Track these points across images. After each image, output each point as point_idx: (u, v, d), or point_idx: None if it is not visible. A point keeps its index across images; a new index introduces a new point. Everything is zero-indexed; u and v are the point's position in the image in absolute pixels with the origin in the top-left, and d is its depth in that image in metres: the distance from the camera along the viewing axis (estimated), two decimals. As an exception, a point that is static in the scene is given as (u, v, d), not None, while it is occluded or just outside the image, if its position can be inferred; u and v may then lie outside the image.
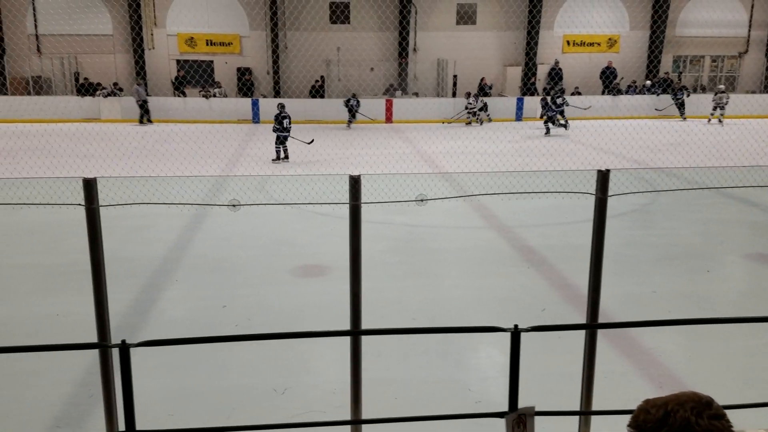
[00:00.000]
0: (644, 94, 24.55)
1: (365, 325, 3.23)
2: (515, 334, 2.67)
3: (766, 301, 6.58)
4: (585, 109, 22.27)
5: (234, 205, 3.30)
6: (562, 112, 20.55)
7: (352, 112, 21.58)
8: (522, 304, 6.29)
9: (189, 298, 6.50)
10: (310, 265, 7.44)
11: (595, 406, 3.34)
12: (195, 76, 23.50)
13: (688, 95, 23.25)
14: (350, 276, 3.10)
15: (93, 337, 2.99)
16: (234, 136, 18.84)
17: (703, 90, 26.45)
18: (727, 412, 1.37)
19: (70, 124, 20.83)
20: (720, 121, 21.66)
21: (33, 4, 23.14)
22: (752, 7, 26.44)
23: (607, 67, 25.66)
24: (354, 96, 21.97)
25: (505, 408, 2.71)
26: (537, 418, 2.68)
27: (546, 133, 19.22)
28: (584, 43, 26.26)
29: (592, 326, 3.33)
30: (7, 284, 6.86)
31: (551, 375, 4.76)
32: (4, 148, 15.14)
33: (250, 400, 4.52)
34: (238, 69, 24.91)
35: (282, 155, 14.60)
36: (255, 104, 22.68)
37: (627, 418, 1.41)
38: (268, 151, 14.84)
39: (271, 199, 10.45)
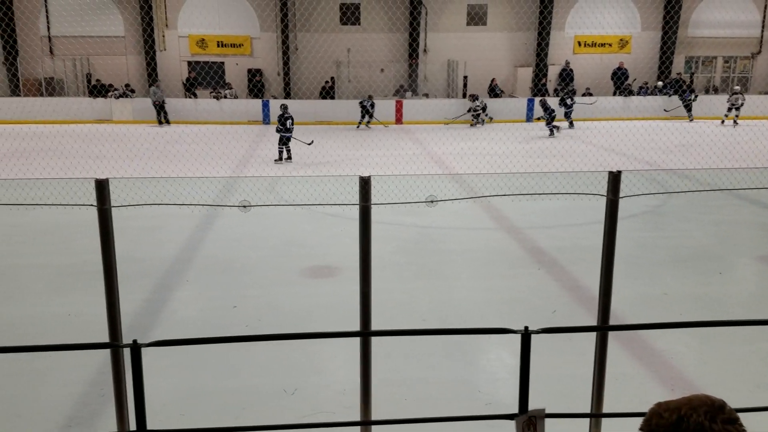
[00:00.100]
0: (656, 95, 24.37)
1: (375, 326, 3.23)
2: (525, 335, 2.66)
3: (779, 303, 6.52)
4: (591, 104, 22.16)
5: (244, 206, 3.30)
6: (569, 114, 20.50)
7: (369, 113, 21.57)
8: (532, 306, 6.27)
9: (200, 299, 6.53)
10: (320, 265, 7.46)
11: (606, 408, 3.32)
12: (206, 78, 23.64)
13: (695, 98, 23.04)
14: (360, 277, 3.10)
15: (104, 337, 3.00)
16: (244, 137, 18.90)
17: (716, 91, 26.25)
18: (740, 415, 1.36)
19: (82, 126, 21.03)
20: (735, 122, 21.48)
21: (46, 6, 23.32)
22: (765, 7, 26.17)
23: (619, 68, 25.48)
24: (370, 97, 21.97)
25: (515, 410, 2.70)
26: (547, 420, 2.67)
27: (550, 135, 19.14)
28: (595, 43, 26.12)
29: (603, 328, 3.31)
30: (20, 284, 6.91)
31: (562, 377, 4.74)
32: (17, 149, 15.27)
33: (260, 400, 4.53)
34: (249, 70, 25.00)
35: (285, 156, 14.64)
36: (265, 105, 22.74)
37: (638, 420, 1.40)
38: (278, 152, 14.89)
39: (282, 200, 10.48)
